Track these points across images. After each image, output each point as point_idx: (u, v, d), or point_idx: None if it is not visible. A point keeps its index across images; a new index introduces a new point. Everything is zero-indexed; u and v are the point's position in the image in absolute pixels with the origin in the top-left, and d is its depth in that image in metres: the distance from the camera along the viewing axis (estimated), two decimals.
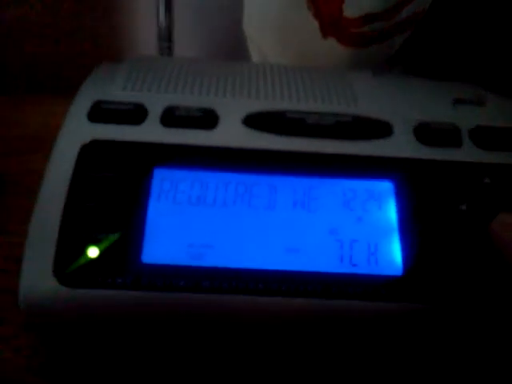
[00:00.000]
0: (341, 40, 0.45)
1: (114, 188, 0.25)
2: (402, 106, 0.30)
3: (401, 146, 0.28)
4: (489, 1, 0.42)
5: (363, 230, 0.26)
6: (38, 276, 0.23)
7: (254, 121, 0.28)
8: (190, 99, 0.29)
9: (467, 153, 0.28)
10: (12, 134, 0.42)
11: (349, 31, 0.44)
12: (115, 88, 0.30)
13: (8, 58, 0.52)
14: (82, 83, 0.30)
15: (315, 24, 0.43)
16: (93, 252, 0.24)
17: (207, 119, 0.28)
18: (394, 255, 0.25)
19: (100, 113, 0.28)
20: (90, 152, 0.26)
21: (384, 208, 0.26)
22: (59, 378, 0.26)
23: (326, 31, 0.44)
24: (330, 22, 0.43)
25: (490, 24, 0.43)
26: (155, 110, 0.28)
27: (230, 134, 0.28)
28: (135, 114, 0.28)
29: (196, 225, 0.25)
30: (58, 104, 0.32)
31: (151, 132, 0.27)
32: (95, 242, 0.24)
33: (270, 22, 0.43)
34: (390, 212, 0.26)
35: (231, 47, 0.51)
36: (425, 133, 0.29)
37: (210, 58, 0.53)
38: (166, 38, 0.42)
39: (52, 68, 0.53)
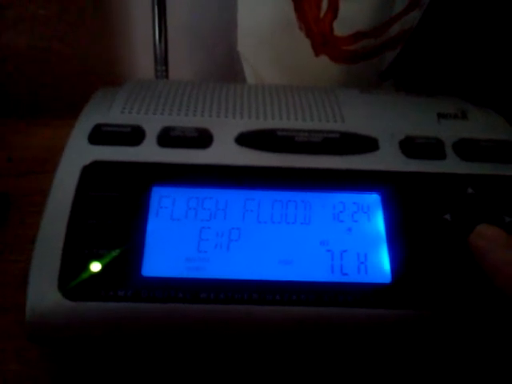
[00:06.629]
0: (332, 57, 0.46)
1: (114, 206, 0.26)
2: (387, 122, 0.31)
3: (387, 159, 0.29)
4: (475, 16, 0.43)
5: (353, 240, 0.27)
6: (43, 290, 0.24)
7: (246, 139, 0.29)
8: (185, 120, 0.30)
9: (451, 165, 0.29)
10: (15, 156, 0.43)
11: (340, 49, 0.45)
12: (114, 111, 0.31)
13: (10, 81, 0.53)
14: (83, 107, 0.31)
15: (307, 43, 0.44)
16: (95, 267, 0.25)
17: (202, 139, 0.29)
18: (382, 264, 0.26)
19: (100, 135, 0.29)
20: (92, 172, 0.27)
21: (372, 219, 0.27)
22: None
23: (317, 50, 0.45)
24: (322, 40, 0.44)
25: (476, 37, 0.43)
26: (152, 132, 0.29)
27: (224, 152, 0.29)
28: (133, 136, 0.29)
29: (193, 239, 0.26)
30: (59, 126, 0.32)
31: (149, 152, 0.28)
32: (97, 258, 0.25)
33: (263, 42, 0.44)
34: (378, 223, 0.27)
35: (226, 68, 0.52)
36: (410, 147, 0.30)
37: (206, 78, 0.54)
38: (162, 62, 0.44)
39: (53, 91, 0.54)
